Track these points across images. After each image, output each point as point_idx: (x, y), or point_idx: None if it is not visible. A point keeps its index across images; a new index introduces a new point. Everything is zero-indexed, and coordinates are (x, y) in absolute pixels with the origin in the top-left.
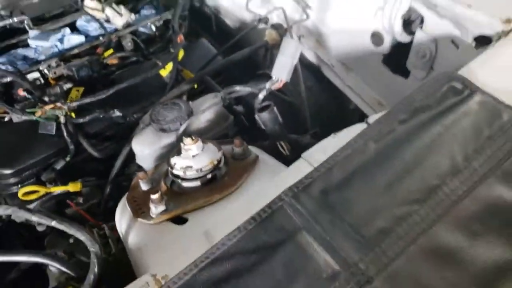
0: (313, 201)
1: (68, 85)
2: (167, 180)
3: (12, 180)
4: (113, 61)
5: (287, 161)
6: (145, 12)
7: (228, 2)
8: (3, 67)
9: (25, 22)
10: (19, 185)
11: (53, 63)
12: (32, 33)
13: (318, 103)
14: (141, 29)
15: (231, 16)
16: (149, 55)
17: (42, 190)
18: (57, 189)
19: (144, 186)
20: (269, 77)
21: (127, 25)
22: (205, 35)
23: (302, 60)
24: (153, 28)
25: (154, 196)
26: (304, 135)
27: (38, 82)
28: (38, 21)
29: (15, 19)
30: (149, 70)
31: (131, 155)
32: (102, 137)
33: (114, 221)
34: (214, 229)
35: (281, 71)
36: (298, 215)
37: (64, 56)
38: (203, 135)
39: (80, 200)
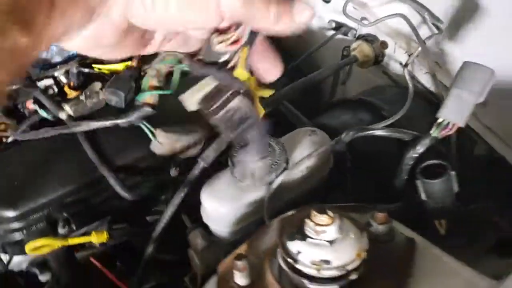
0: None
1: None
2: (277, 275)
3: (15, 225)
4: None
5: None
6: None
7: None
8: None
9: None
10: (24, 231)
11: (73, 68)
12: None
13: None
14: None
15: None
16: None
17: (55, 244)
18: (77, 241)
19: (242, 280)
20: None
21: None
22: None
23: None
24: None
25: None
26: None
27: (51, 91)
28: None
29: None
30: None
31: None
32: (133, 170)
33: None
34: None
35: (457, 113)
36: None
37: (85, 61)
38: (299, 188)
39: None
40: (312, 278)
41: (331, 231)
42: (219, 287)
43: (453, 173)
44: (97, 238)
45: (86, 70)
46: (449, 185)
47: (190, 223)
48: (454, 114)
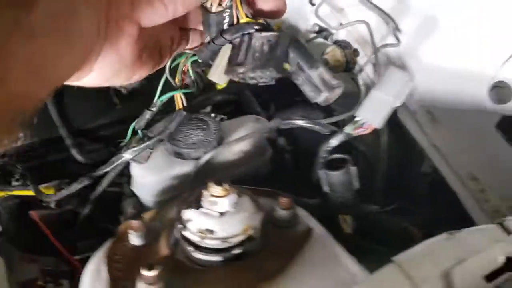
0: None
1: None
2: (171, 240)
3: None
4: None
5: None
6: None
7: None
8: None
9: None
10: None
11: None
12: None
13: (388, 159)
14: None
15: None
16: None
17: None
18: (20, 193)
19: (135, 240)
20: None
21: None
22: None
23: None
24: None
25: (145, 273)
26: (376, 208)
27: None
28: None
29: None
30: None
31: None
32: (94, 136)
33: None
34: None
35: (374, 113)
36: None
37: None
38: (229, 171)
39: (52, 204)
40: (197, 247)
41: (223, 204)
42: (114, 244)
43: (353, 168)
44: (44, 191)
45: None
46: (348, 179)
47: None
48: (370, 114)
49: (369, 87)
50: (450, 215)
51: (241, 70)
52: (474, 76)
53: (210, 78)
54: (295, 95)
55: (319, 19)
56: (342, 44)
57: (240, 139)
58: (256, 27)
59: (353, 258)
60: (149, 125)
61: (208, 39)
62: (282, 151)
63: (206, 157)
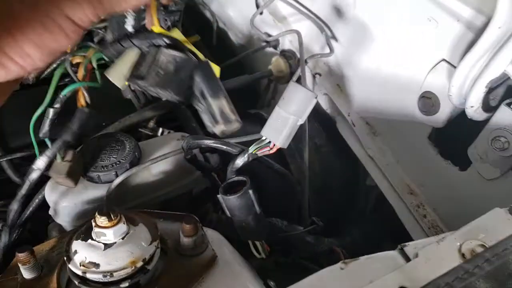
0: None
1: None
2: (63, 274)
3: None
4: None
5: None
6: None
7: (235, 13)
8: None
9: None
10: None
11: None
12: None
13: (325, 173)
14: None
15: (236, 30)
16: None
17: None
18: None
19: (25, 273)
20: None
21: None
22: (203, 47)
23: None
24: None
25: None
26: (294, 227)
27: None
28: None
29: None
30: None
31: None
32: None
33: None
34: None
35: (276, 132)
36: None
37: None
38: (152, 193)
39: None
40: (83, 280)
41: (110, 235)
42: (3, 278)
43: (250, 191)
44: None
45: None
46: (246, 202)
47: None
48: (273, 133)
49: None
50: (388, 230)
51: (141, 83)
52: (405, 85)
53: (108, 76)
54: (249, 107)
55: (253, 28)
56: (286, 54)
57: (155, 160)
58: (167, 41)
59: (262, 286)
60: None
61: (110, 36)
62: (211, 171)
63: (117, 181)
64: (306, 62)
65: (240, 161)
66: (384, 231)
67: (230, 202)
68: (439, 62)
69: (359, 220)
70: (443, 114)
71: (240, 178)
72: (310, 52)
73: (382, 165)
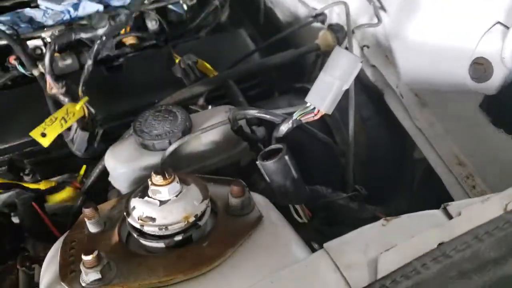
0: None
1: (67, 62)
2: (123, 228)
3: None
4: (131, 40)
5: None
6: None
7: None
8: (3, 28)
9: None
10: None
11: (56, 31)
12: None
13: (371, 145)
14: (171, 7)
15: (283, 8)
16: (172, 40)
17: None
18: (30, 186)
19: (91, 228)
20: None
21: None
22: (250, 26)
23: (361, 78)
24: (185, 7)
25: (84, 257)
26: (337, 193)
27: (39, 51)
28: None
29: None
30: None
31: None
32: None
33: None
34: None
35: (321, 98)
36: None
37: (72, 25)
38: (202, 162)
39: None
40: (141, 233)
41: (165, 192)
42: (71, 232)
43: (285, 157)
44: (45, 185)
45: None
46: (283, 168)
47: None
48: (317, 98)
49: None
50: (435, 202)
51: None
52: (455, 53)
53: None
54: (296, 82)
55: (301, 1)
56: (334, 28)
57: (205, 129)
58: None
59: (305, 246)
60: None
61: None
62: (257, 142)
63: (171, 148)
64: (353, 32)
65: (284, 127)
66: (430, 204)
67: (267, 167)
68: (493, 25)
69: (405, 193)
70: (496, 80)
71: (278, 145)
72: (357, 24)
73: (431, 136)
